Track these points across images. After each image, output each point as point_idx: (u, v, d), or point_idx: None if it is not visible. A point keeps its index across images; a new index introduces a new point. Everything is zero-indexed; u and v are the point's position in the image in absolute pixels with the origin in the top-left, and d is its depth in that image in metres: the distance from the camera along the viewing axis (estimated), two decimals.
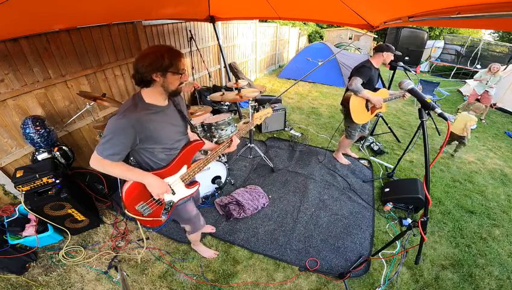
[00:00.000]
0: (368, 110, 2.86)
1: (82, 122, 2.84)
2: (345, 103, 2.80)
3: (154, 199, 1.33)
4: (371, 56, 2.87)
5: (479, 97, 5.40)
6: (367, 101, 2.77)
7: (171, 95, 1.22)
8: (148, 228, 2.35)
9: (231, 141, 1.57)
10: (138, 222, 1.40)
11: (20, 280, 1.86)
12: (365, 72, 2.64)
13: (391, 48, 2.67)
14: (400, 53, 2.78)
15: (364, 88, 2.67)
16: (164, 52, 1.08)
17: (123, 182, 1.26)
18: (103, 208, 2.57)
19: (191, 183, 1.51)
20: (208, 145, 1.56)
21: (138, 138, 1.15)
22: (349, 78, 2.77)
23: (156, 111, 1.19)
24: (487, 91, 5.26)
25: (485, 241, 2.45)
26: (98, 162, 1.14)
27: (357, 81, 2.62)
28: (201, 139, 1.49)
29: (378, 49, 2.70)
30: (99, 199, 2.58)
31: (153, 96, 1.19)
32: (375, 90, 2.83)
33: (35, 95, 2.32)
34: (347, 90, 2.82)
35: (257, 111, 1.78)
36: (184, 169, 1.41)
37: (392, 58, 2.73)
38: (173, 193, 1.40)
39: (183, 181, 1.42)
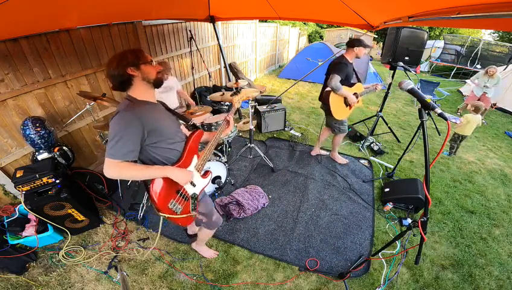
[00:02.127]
0: (347, 106, 2.90)
1: (82, 122, 2.84)
2: (325, 100, 2.83)
3: (180, 195, 1.35)
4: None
5: (479, 99, 5.46)
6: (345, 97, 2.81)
7: (155, 85, 1.24)
8: (148, 228, 2.36)
9: (227, 122, 1.65)
10: (162, 220, 1.37)
11: (20, 280, 1.86)
12: (343, 69, 2.66)
13: (362, 42, 2.67)
14: (370, 45, 2.78)
15: (342, 84, 2.70)
16: (125, 52, 1.14)
17: (147, 186, 1.22)
18: (103, 208, 2.57)
19: (204, 173, 1.56)
20: (205, 136, 1.60)
21: (146, 131, 1.15)
22: (327, 74, 2.77)
23: (151, 106, 1.24)
24: (485, 93, 5.35)
25: (485, 241, 2.45)
26: (114, 167, 1.08)
27: (336, 79, 2.62)
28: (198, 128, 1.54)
29: (349, 45, 2.72)
30: (99, 199, 2.58)
31: (142, 92, 1.21)
32: (351, 85, 2.86)
33: (35, 95, 2.32)
34: (324, 86, 2.83)
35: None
36: (195, 159, 1.45)
37: (365, 52, 2.73)
38: (193, 185, 1.44)
39: (198, 171, 1.46)
